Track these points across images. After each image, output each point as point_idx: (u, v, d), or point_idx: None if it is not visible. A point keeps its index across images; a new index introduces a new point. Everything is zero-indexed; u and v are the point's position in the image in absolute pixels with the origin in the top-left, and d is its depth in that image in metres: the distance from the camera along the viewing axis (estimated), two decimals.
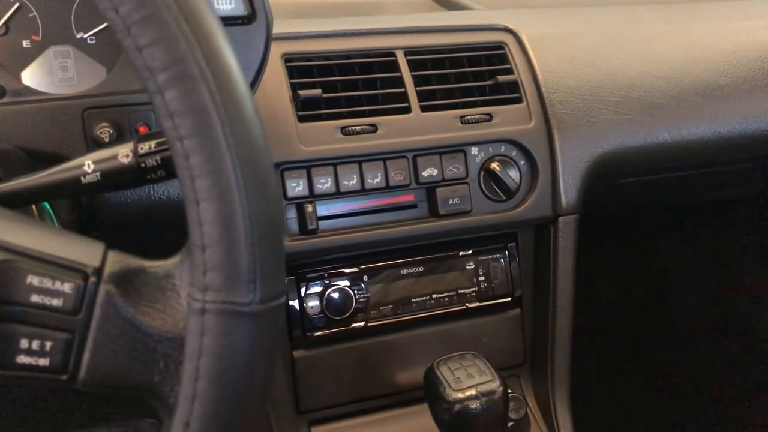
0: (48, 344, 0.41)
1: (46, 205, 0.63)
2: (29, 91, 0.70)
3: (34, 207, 0.61)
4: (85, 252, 0.42)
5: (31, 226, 0.44)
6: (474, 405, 0.74)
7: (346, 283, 0.88)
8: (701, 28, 1.09)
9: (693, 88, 1.00)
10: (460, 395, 0.75)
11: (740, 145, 1.03)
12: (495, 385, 0.76)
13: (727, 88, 1.02)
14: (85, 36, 0.72)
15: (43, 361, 0.41)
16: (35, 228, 0.44)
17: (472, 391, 0.75)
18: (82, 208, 0.74)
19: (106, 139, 0.69)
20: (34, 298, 0.40)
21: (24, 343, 0.40)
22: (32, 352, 0.41)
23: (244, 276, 0.40)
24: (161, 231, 0.80)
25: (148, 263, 0.44)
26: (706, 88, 1.01)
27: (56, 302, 0.41)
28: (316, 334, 0.88)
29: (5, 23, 0.69)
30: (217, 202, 0.39)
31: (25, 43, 0.70)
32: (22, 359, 0.41)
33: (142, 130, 0.71)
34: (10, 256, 0.40)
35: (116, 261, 0.43)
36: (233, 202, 0.39)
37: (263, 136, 0.41)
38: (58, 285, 0.41)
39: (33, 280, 0.40)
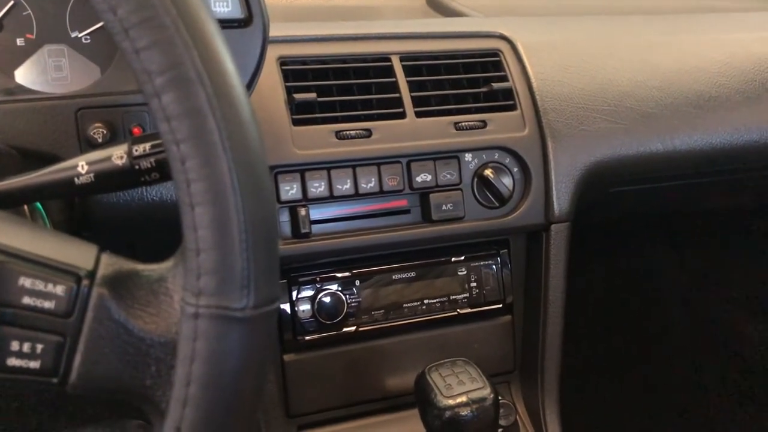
0: (39, 347, 0.40)
1: (38, 205, 0.62)
2: (22, 89, 0.70)
3: (26, 207, 0.60)
4: (78, 254, 0.42)
5: (23, 227, 0.44)
6: (465, 412, 0.74)
7: (338, 287, 0.88)
8: (695, 39, 1.10)
9: (686, 99, 1.01)
10: (450, 402, 0.75)
11: (731, 155, 1.04)
12: (486, 392, 0.76)
13: (720, 99, 1.03)
14: (79, 35, 0.71)
15: (34, 364, 0.40)
16: (28, 229, 0.44)
17: (463, 398, 0.75)
18: (74, 209, 0.73)
19: (100, 140, 0.69)
20: (26, 300, 0.40)
21: (15, 346, 0.40)
22: (23, 355, 0.40)
23: (238, 281, 0.40)
24: (153, 232, 0.79)
25: (141, 266, 0.44)
26: (699, 99, 1.02)
27: (48, 305, 0.40)
28: (307, 338, 0.88)
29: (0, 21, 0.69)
30: (213, 207, 0.39)
31: (19, 42, 0.70)
32: (13, 362, 0.40)
33: (136, 131, 0.71)
34: (3, 258, 0.40)
35: (109, 264, 0.42)
36: (228, 206, 0.39)
37: (260, 140, 0.41)
38: (50, 287, 0.40)
39: (25, 282, 0.40)
